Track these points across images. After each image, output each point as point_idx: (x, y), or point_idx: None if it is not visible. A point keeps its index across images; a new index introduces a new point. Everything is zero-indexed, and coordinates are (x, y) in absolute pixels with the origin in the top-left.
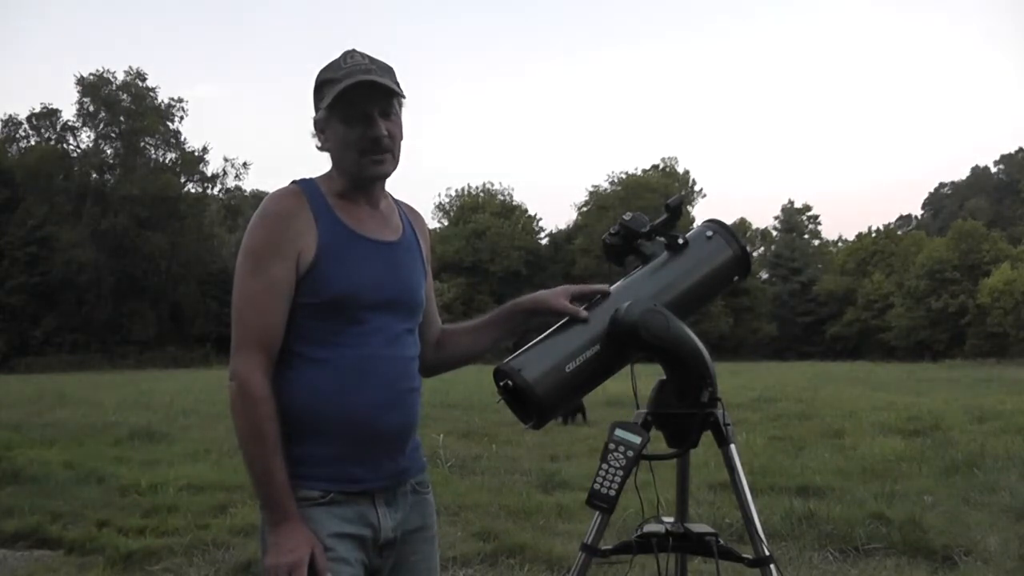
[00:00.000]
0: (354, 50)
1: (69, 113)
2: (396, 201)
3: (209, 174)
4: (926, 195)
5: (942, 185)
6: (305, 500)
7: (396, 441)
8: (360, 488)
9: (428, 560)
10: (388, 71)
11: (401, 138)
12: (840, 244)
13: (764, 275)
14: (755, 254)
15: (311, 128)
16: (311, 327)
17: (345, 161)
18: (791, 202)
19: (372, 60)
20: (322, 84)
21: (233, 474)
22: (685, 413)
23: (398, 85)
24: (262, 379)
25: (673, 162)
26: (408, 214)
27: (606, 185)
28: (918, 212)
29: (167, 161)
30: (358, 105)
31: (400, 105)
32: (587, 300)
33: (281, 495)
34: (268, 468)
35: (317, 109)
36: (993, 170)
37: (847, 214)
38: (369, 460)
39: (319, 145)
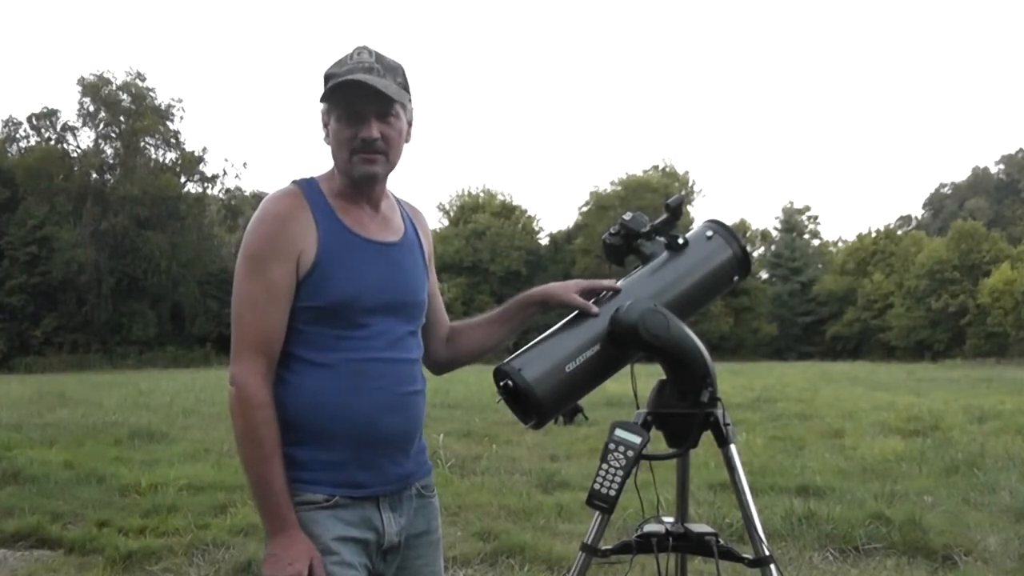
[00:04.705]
0: (364, 47)
1: (69, 113)
2: (398, 200)
3: (209, 174)
4: (926, 195)
5: (942, 185)
6: (309, 504)
7: (399, 445)
8: (364, 493)
9: (432, 564)
10: (394, 71)
11: (403, 140)
12: (840, 244)
13: (764, 275)
14: (755, 254)
15: (320, 120)
16: (312, 331)
17: (339, 159)
18: (791, 202)
19: (379, 59)
20: (326, 78)
21: (233, 474)
22: (685, 413)
23: (404, 87)
24: (261, 384)
25: (673, 162)
26: (410, 213)
27: (606, 185)
28: (918, 212)
29: (167, 161)
30: (352, 104)
31: (404, 108)
32: (596, 295)
33: (279, 503)
34: (265, 475)
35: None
36: (993, 170)
37: (847, 214)
38: (372, 465)
39: (325, 138)
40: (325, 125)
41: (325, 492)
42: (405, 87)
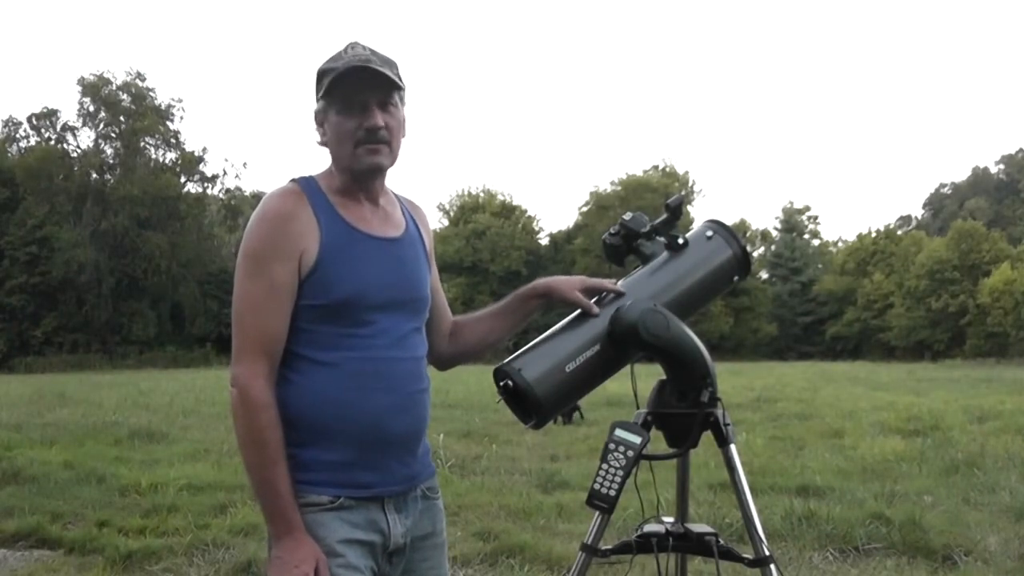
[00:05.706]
0: (356, 42)
1: (69, 113)
2: (396, 196)
3: (209, 174)
4: (926, 195)
5: (942, 185)
6: (314, 505)
7: (406, 444)
8: (370, 493)
9: (438, 567)
10: (389, 64)
11: (401, 134)
12: (840, 244)
13: (764, 275)
14: (755, 254)
15: (313, 121)
16: (316, 330)
17: (341, 154)
18: (791, 202)
19: (373, 52)
20: (322, 74)
21: (233, 474)
22: (685, 413)
23: (399, 78)
24: (263, 386)
25: (673, 162)
26: (409, 208)
27: (606, 185)
28: (918, 212)
29: (167, 161)
30: (354, 94)
31: (401, 100)
32: (599, 294)
33: (284, 505)
34: (269, 477)
35: (318, 100)
36: (993, 170)
37: (847, 214)
38: (379, 465)
39: (319, 140)
40: (320, 124)
41: (330, 493)
42: (400, 80)
